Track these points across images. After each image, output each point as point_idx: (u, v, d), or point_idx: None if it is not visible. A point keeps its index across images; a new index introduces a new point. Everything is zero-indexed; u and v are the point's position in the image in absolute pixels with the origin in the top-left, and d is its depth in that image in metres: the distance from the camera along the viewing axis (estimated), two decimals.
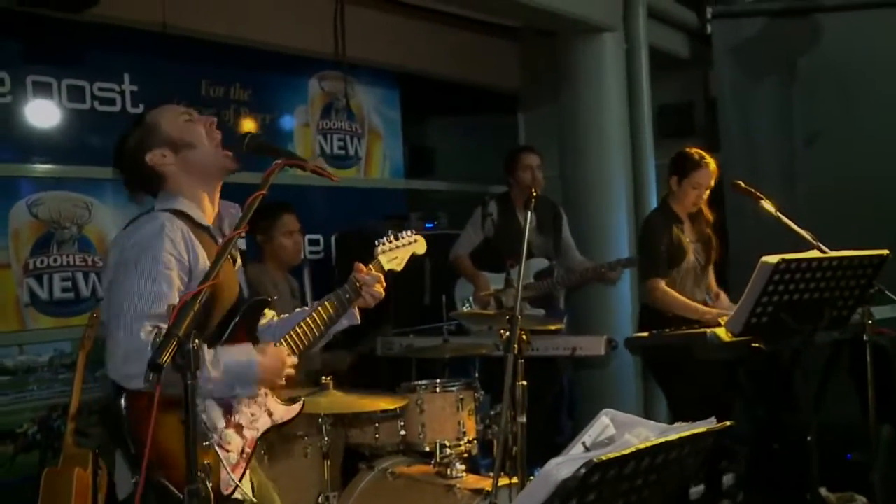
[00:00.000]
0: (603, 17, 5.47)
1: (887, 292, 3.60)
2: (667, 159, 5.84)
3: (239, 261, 2.54)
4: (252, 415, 2.36)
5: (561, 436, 5.60)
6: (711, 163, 4.14)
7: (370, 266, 2.62)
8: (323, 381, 3.40)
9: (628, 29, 5.62)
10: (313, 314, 2.51)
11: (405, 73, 6.26)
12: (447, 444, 3.58)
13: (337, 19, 5.01)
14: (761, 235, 4.53)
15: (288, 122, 5.69)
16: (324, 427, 3.38)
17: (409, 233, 2.77)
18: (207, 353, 2.15)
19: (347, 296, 2.55)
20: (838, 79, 5.59)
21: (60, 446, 3.79)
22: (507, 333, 2.88)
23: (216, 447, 2.23)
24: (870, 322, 3.45)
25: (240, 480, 2.29)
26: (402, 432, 3.67)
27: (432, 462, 3.58)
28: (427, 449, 3.63)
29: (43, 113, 4.55)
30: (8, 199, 4.40)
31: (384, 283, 2.62)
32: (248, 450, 2.33)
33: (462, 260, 5.16)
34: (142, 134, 2.34)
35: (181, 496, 2.03)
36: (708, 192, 4.16)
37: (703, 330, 3.47)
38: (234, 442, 2.30)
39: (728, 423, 1.59)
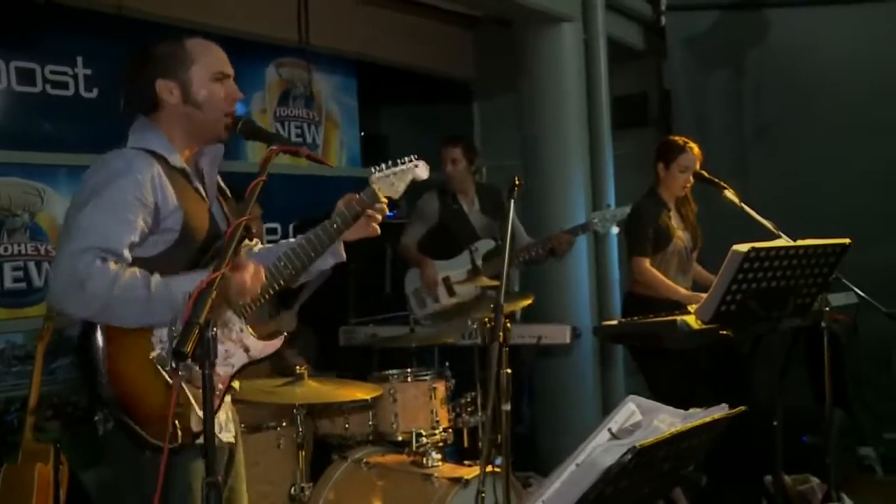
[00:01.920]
0: (562, 7, 5.49)
1: (844, 280, 3.73)
2: (621, 150, 5.96)
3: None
4: (226, 351, 2.27)
5: (520, 425, 5.64)
6: (695, 147, 4.32)
7: (361, 195, 2.43)
8: (298, 371, 3.36)
9: (587, 19, 5.64)
10: (296, 247, 2.36)
11: (362, 61, 6.20)
12: (423, 433, 3.57)
13: (301, 5, 4.93)
14: (719, 225, 4.63)
15: (243, 108, 5.59)
16: (298, 417, 3.35)
17: (409, 158, 2.54)
18: (155, 278, 2.03)
19: (335, 226, 2.37)
20: (787, 73, 5.71)
21: (16, 441, 3.67)
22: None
23: (184, 385, 2.10)
24: (827, 309, 3.55)
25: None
26: (372, 422, 3.65)
27: (406, 451, 3.57)
28: (400, 438, 3.62)
29: None
30: None
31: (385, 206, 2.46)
32: (220, 386, 2.25)
33: (409, 248, 5.05)
34: (171, 56, 2.21)
35: (147, 436, 2.05)
36: (692, 177, 4.29)
37: (672, 318, 3.50)
38: None
39: (742, 408, 1.61)
